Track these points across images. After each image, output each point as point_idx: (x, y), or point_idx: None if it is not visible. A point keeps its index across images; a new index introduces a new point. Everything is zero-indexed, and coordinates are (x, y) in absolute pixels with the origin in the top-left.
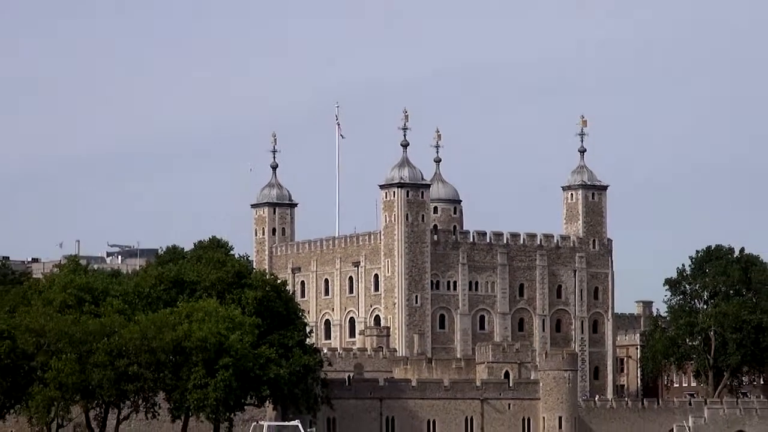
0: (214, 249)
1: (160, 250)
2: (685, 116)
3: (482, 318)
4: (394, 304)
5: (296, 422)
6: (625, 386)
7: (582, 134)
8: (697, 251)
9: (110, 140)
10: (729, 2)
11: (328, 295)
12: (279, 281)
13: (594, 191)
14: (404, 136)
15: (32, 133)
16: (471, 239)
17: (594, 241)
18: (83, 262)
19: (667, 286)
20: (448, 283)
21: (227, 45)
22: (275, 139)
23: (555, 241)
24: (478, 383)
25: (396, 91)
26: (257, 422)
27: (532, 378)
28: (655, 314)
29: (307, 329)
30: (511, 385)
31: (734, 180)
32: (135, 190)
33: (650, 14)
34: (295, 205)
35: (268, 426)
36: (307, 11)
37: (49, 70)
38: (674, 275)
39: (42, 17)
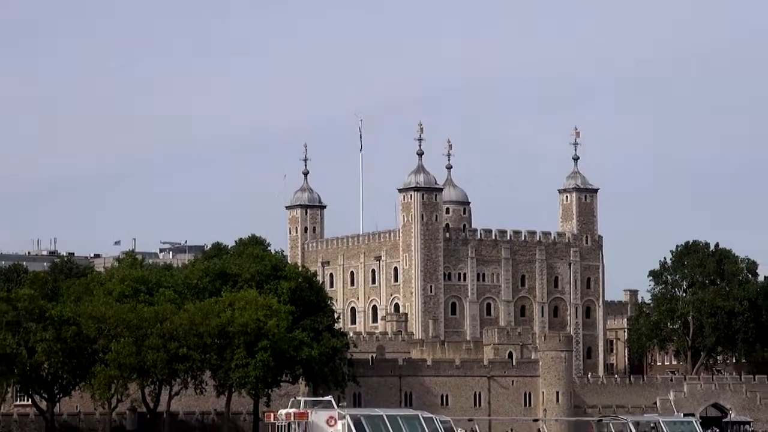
0: (254, 245)
1: (206, 247)
2: (667, 128)
3: (488, 305)
4: (411, 293)
5: (329, 397)
6: (614, 364)
7: (576, 144)
8: (677, 246)
9: (161, 148)
10: (704, 24)
11: (353, 285)
12: (310, 273)
13: (586, 193)
14: (419, 146)
15: (91, 141)
16: (478, 236)
17: (586, 237)
18: (139, 257)
19: (650, 277)
20: (459, 274)
21: (266, 65)
22: (306, 149)
23: (552, 237)
24: (485, 362)
25: (412, 107)
26: (295, 398)
27: (532, 358)
28: (640, 301)
29: (335, 315)
30: (514, 364)
31: (710, 183)
32: (183, 193)
33: (632, 35)
34: (324, 206)
35: (305, 401)
36: (332, 42)
37: (99, 79)
38: (657, 267)
39: (83, 30)
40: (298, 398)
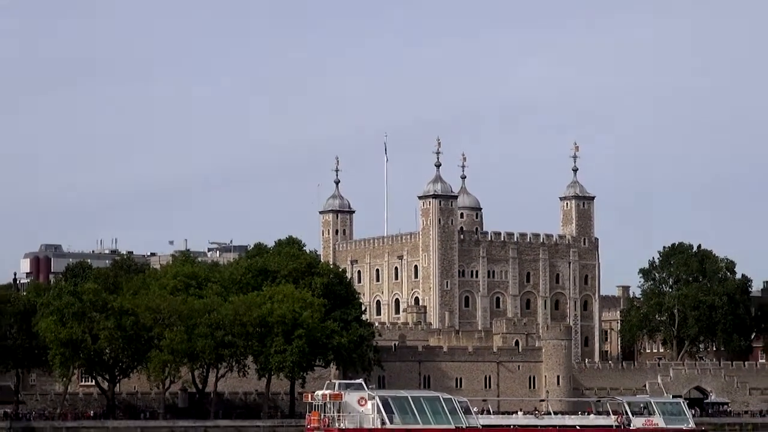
0: (291, 245)
1: (249, 247)
2: (655, 142)
3: (498, 299)
4: (430, 288)
5: (360, 380)
6: (609, 352)
7: (575, 157)
8: (664, 247)
9: (208, 161)
10: (676, 57)
11: (378, 281)
12: (340, 270)
13: (584, 201)
14: (437, 158)
15: (150, 158)
16: (489, 238)
17: (584, 239)
18: (190, 255)
19: (641, 274)
20: (472, 272)
21: (303, 88)
22: (338, 161)
23: (554, 239)
24: (494, 349)
25: (431, 125)
26: (330, 380)
27: (536, 345)
28: (631, 296)
29: (362, 308)
30: (520, 351)
31: (693, 191)
32: (229, 200)
33: (632, 56)
34: (353, 211)
35: (339, 383)
36: (362, 69)
37: (158, 103)
38: (646, 266)
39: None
40: (333, 381)
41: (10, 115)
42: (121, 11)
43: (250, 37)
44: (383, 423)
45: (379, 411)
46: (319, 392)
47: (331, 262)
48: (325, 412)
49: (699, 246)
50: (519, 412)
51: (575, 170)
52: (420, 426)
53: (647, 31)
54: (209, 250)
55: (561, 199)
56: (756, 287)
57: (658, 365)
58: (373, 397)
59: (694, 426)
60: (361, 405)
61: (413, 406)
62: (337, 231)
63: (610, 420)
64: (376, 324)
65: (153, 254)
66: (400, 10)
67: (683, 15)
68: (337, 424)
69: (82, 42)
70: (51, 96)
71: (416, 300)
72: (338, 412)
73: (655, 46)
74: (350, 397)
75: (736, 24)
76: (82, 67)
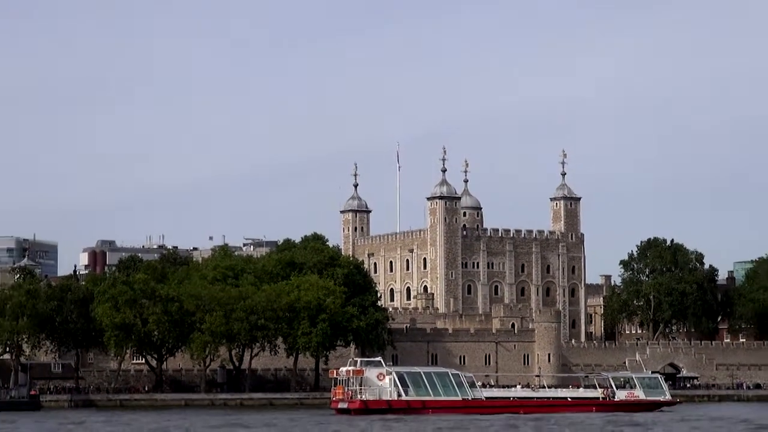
0: (315, 241)
1: (279, 242)
2: (634, 149)
3: (496, 287)
4: (437, 277)
5: (379, 358)
6: (593, 333)
7: (563, 162)
8: (642, 241)
9: (245, 166)
10: (650, 70)
11: (392, 272)
12: (359, 262)
13: (571, 201)
14: (443, 164)
15: (195, 160)
16: (488, 234)
17: (572, 234)
18: (227, 250)
19: (621, 265)
20: (473, 263)
21: (325, 102)
22: (356, 167)
23: (545, 235)
24: (493, 331)
25: (438, 135)
26: (352, 358)
27: (530, 327)
28: (613, 284)
29: (378, 295)
30: (515, 332)
31: (668, 193)
32: (261, 200)
33: (612, 74)
34: (370, 211)
35: (360, 361)
36: (376, 85)
37: (195, 114)
38: (626, 258)
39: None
40: (355, 359)
41: (68, 128)
42: (172, 31)
43: (283, 56)
44: (399, 395)
45: (395, 385)
46: (343, 369)
47: (350, 255)
48: (348, 386)
49: (672, 240)
50: (518, 386)
51: (563, 174)
52: (431, 398)
53: (630, 45)
54: (244, 244)
55: (551, 199)
56: (722, 276)
57: (636, 344)
58: (391, 373)
59: (670, 398)
60: (380, 380)
61: (425, 381)
62: (355, 228)
63: (597, 393)
64: (390, 309)
65: (195, 248)
66: (404, 36)
67: (657, 32)
68: (359, 397)
69: (137, 59)
70: (110, 107)
71: (425, 288)
72: (360, 386)
73: (633, 61)
74: (370, 373)
75: (686, 39)
76: (138, 80)
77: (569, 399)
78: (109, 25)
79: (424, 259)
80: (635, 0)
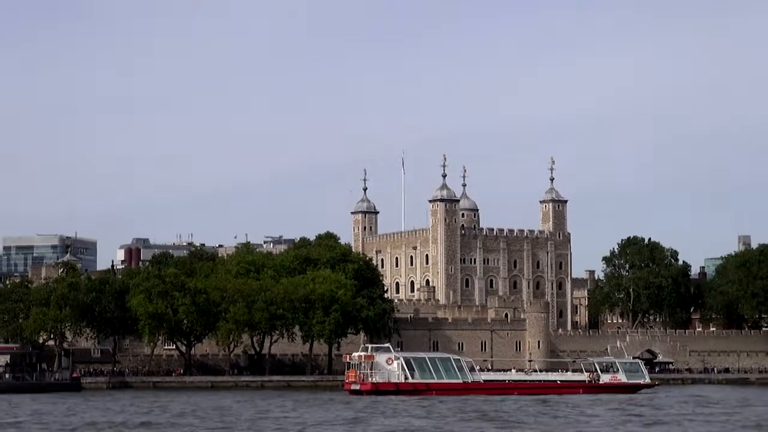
0: (328, 239)
1: (295, 240)
2: (616, 157)
3: (491, 281)
4: (438, 272)
5: (387, 344)
6: (578, 322)
7: (552, 168)
8: (622, 240)
9: (265, 171)
10: (629, 85)
11: (397, 267)
12: (368, 258)
13: (559, 203)
14: (443, 170)
15: (220, 166)
16: (484, 233)
17: (559, 234)
18: (250, 247)
19: (603, 261)
20: (471, 259)
21: (341, 115)
22: (365, 172)
23: (535, 234)
24: (489, 320)
25: (439, 143)
26: (363, 345)
27: (521, 317)
28: (596, 278)
29: (384, 287)
30: (509, 321)
31: (645, 195)
32: (280, 202)
33: (595, 90)
34: (378, 212)
35: (371, 347)
36: (386, 96)
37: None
38: (608, 254)
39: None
40: (366, 345)
41: (107, 137)
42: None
43: (301, 75)
44: (406, 378)
45: (403, 369)
46: (356, 354)
47: (360, 252)
48: (360, 370)
49: (649, 239)
50: (512, 370)
51: (552, 179)
52: (435, 380)
53: (612, 63)
54: (264, 242)
55: (540, 202)
56: (694, 271)
57: (617, 333)
58: (399, 358)
59: (649, 381)
60: (389, 364)
61: (430, 365)
62: (365, 227)
63: (584, 376)
64: (395, 300)
65: (221, 246)
66: (410, 55)
67: (637, 53)
68: (370, 379)
69: (172, 71)
70: (148, 118)
71: (427, 281)
72: (371, 369)
73: (614, 80)
74: (380, 358)
75: (665, 59)
76: (176, 91)
77: (559, 382)
78: (145, 37)
79: (427, 255)
80: (630, 23)
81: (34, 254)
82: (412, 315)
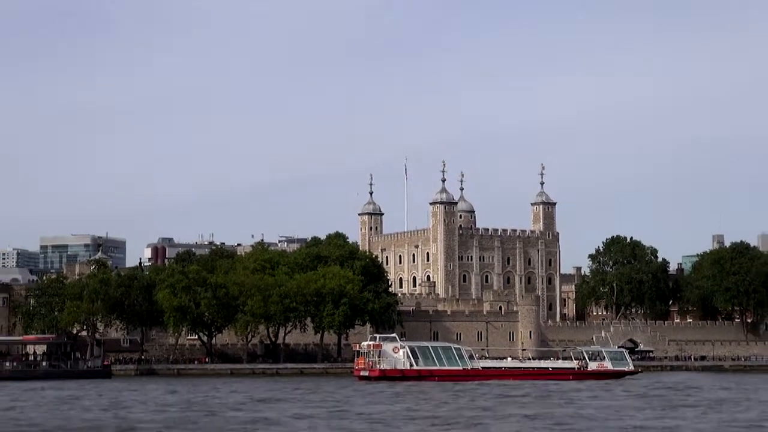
0: (338, 238)
1: (307, 239)
2: (601, 163)
3: (487, 276)
4: (438, 268)
5: (394, 334)
6: (566, 314)
7: (542, 173)
8: (606, 239)
9: (279, 175)
10: (615, 97)
11: (400, 264)
12: (374, 256)
13: (548, 206)
14: (443, 175)
15: (238, 169)
16: (480, 233)
17: (549, 233)
18: (265, 245)
19: (589, 259)
20: (468, 257)
21: (350, 124)
22: (371, 177)
23: (527, 233)
24: (484, 313)
25: (439, 150)
26: (371, 335)
27: (514, 310)
28: (583, 274)
29: (389, 283)
30: (503, 314)
31: (627, 198)
32: (293, 204)
33: (592, 97)
34: (383, 214)
35: (379, 336)
36: (388, 107)
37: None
38: (593, 252)
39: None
40: (375, 335)
41: (132, 143)
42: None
43: (313, 85)
44: (411, 365)
45: (408, 357)
46: (364, 343)
47: (366, 250)
48: (368, 358)
49: (631, 238)
50: (508, 358)
51: (542, 183)
52: (438, 367)
53: (598, 76)
54: (279, 241)
55: (532, 204)
56: (672, 268)
57: (602, 324)
58: (404, 347)
59: (632, 368)
60: (395, 352)
61: (432, 353)
62: (371, 228)
63: (573, 364)
64: (399, 294)
65: (239, 244)
66: (412, 69)
67: (621, 62)
68: (378, 366)
69: (194, 76)
70: (167, 126)
71: (428, 277)
72: (378, 357)
73: (600, 88)
74: (387, 347)
75: (648, 68)
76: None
77: (550, 369)
78: (165, 37)
79: (427, 253)
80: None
81: (69, 252)
82: (414, 308)
